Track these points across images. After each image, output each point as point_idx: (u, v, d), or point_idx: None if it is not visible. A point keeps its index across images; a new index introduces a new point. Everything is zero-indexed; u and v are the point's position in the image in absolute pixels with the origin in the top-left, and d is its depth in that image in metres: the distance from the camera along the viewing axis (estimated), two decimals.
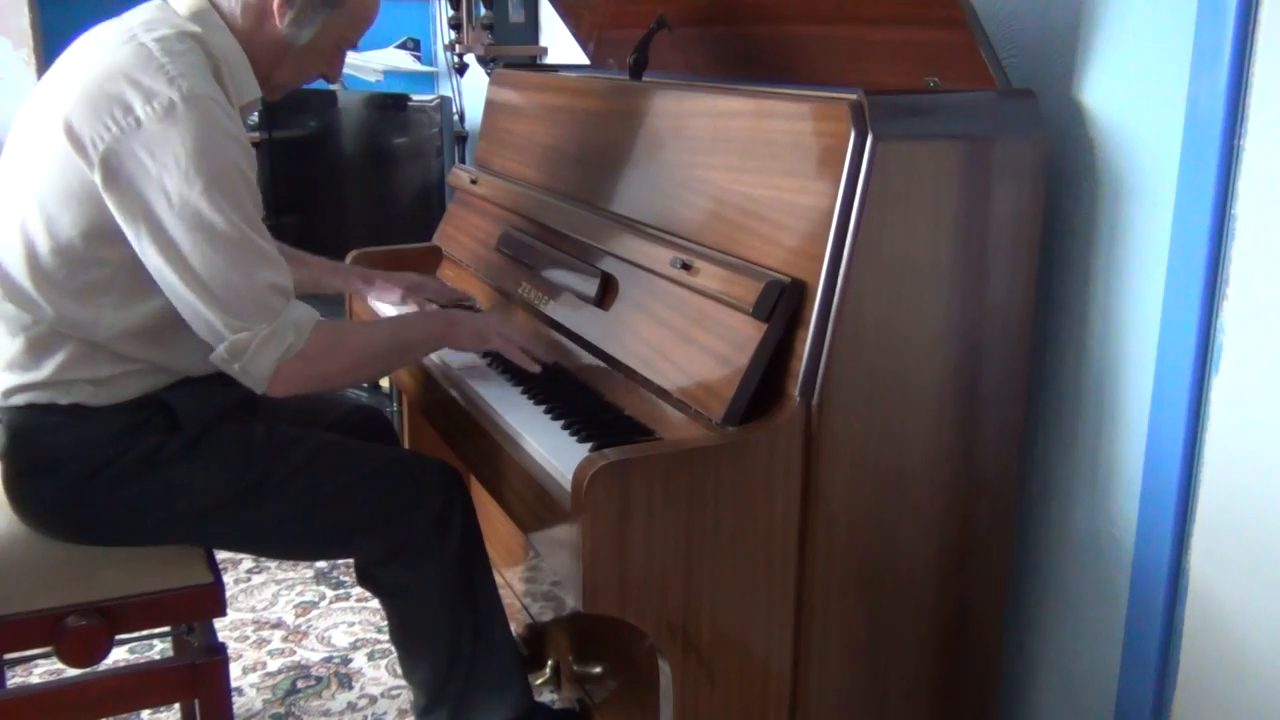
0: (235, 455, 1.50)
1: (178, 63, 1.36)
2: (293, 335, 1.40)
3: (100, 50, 1.40)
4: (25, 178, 1.41)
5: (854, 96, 1.23)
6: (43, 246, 1.39)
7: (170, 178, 1.32)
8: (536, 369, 1.59)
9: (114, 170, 1.33)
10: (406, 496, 1.56)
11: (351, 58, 3.35)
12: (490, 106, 2.27)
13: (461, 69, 3.25)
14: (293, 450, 1.53)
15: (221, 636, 1.62)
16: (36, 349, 1.42)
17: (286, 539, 1.58)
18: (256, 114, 3.39)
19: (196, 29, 1.44)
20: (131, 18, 1.45)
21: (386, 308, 1.97)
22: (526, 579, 2.17)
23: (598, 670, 1.82)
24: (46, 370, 1.42)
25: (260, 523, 1.54)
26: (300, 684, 2.15)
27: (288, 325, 1.40)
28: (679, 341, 1.38)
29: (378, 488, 1.55)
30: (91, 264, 1.39)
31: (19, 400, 1.44)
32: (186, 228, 1.33)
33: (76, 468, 1.43)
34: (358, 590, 2.45)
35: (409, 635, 1.65)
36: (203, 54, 1.41)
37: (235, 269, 1.35)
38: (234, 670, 2.17)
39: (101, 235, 1.37)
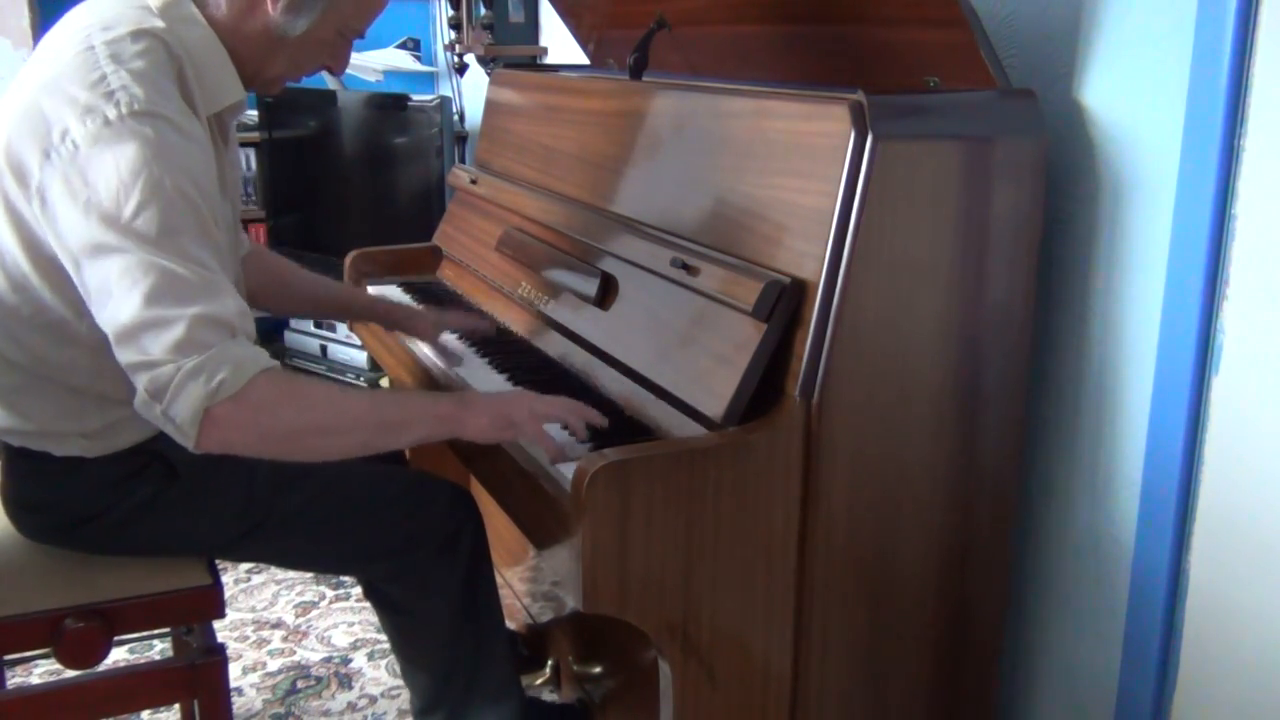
0: (236, 498, 1.44)
1: (123, 71, 1.22)
2: (227, 372, 1.16)
3: (54, 51, 1.28)
4: None
5: (854, 96, 1.23)
6: (1, 283, 1.31)
7: (97, 206, 1.18)
8: (557, 450, 1.33)
9: (47, 201, 1.21)
10: (414, 527, 1.53)
11: (351, 57, 3.35)
12: (490, 106, 2.27)
13: (461, 69, 3.25)
14: (296, 487, 1.47)
15: (221, 637, 1.62)
16: (19, 392, 1.35)
17: (290, 564, 1.57)
18: (255, 113, 3.39)
19: (159, 24, 1.28)
20: (97, 9, 1.31)
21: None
22: (526, 579, 2.17)
23: (598, 670, 1.82)
24: (34, 419, 1.36)
25: (263, 555, 1.56)
26: (300, 684, 2.15)
27: (222, 360, 1.16)
28: (679, 341, 1.38)
29: (384, 520, 1.52)
30: (50, 301, 1.29)
31: (13, 441, 1.39)
32: (109, 260, 1.17)
33: (72, 511, 1.40)
34: (358, 590, 2.45)
35: (409, 648, 1.65)
36: (163, 54, 1.26)
37: (157, 303, 1.16)
38: (234, 670, 2.17)
39: (53, 267, 1.26)
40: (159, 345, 1.16)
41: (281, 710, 2.07)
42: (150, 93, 1.22)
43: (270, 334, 3.52)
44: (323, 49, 1.42)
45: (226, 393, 1.17)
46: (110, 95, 1.20)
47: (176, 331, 1.16)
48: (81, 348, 1.32)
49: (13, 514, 1.46)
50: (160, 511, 1.42)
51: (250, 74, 1.40)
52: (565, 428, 1.36)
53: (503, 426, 1.32)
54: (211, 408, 1.16)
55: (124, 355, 1.19)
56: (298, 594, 2.49)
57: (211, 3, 1.34)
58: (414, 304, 1.96)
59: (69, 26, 1.31)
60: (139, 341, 1.17)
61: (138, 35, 1.26)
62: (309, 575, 2.56)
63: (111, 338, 1.20)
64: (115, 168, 1.18)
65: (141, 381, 1.18)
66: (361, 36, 1.46)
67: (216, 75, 1.34)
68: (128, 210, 1.17)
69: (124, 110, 1.19)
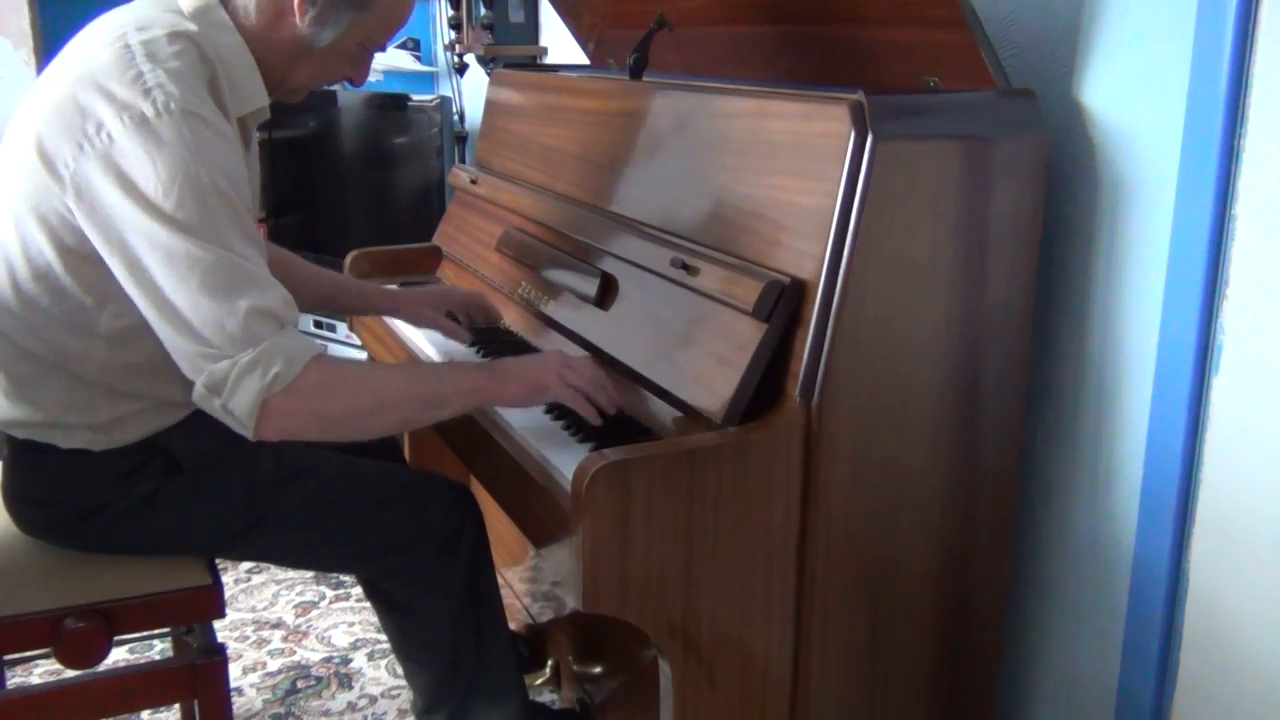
0: (238, 493, 1.45)
1: (159, 70, 1.24)
2: (281, 364, 1.22)
3: (88, 49, 1.30)
4: (4, 194, 1.32)
5: (854, 96, 1.23)
6: (22, 271, 1.31)
7: (140, 198, 1.21)
8: (598, 421, 1.39)
9: (84, 192, 1.23)
10: (415, 525, 1.54)
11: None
12: (490, 106, 2.27)
13: (461, 69, 3.25)
14: (298, 483, 1.48)
15: (221, 637, 1.62)
16: (31, 381, 1.36)
17: (290, 562, 1.58)
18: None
19: (193, 28, 1.32)
20: (130, 11, 1.34)
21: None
22: (526, 579, 2.17)
23: (598, 670, 1.82)
24: (45, 409, 1.36)
25: (264, 553, 1.56)
26: (300, 684, 2.15)
27: (275, 353, 1.22)
28: (679, 341, 1.38)
29: (385, 518, 1.52)
30: (72, 290, 1.31)
31: (19, 433, 1.39)
32: (156, 251, 1.21)
33: (74, 506, 1.41)
34: (358, 590, 2.45)
35: (410, 648, 1.65)
36: (197, 57, 1.30)
37: (210, 294, 1.21)
38: (234, 670, 2.17)
39: (77, 257, 1.28)
40: (212, 340, 1.21)
41: (281, 710, 2.07)
42: (185, 92, 1.25)
43: None
44: (345, 60, 1.45)
45: (281, 384, 1.22)
46: (147, 93, 1.23)
47: (231, 326, 1.21)
48: (98, 339, 1.33)
49: (14, 509, 1.46)
50: (162, 507, 1.42)
51: (275, 82, 1.43)
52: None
53: (535, 391, 1.39)
54: (268, 400, 1.22)
55: (177, 345, 1.24)
56: (298, 594, 2.49)
57: (241, 11, 1.37)
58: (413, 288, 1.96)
59: (100, 27, 1.33)
60: (193, 334, 1.22)
61: (174, 37, 1.29)
62: (309, 575, 2.56)
63: (162, 331, 1.24)
64: (153, 165, 1.21)
65: (199, 377, 1.23)
66: (383, 49, 1.50)
67: (245, 81, 1.37)
68: (170, 204, 1.21)
69: (161, 108, 1.22)
